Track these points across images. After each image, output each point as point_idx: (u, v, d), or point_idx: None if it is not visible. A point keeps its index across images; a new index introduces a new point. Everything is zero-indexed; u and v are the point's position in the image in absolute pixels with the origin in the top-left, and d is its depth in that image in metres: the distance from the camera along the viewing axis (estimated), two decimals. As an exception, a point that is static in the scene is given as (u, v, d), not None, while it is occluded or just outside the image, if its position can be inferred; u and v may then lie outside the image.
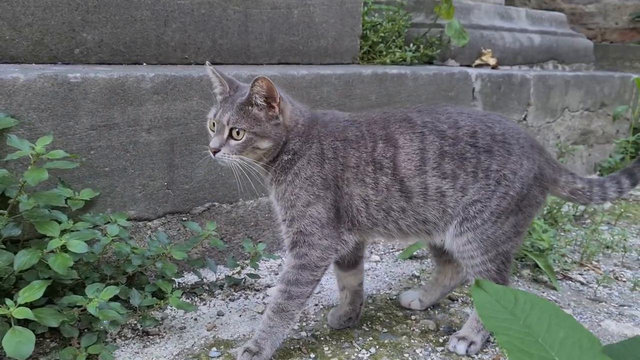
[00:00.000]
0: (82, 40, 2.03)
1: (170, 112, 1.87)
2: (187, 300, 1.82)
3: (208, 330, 1.67)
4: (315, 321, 1.76)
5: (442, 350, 1.61)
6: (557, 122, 3.50)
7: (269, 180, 1.54)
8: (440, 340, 1.66)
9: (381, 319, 1.79)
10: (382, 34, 3.11)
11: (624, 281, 2.17)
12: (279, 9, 2.53)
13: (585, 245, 2.38)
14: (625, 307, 1.94)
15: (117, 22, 2.09)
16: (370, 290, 1.99)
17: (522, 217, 1.57)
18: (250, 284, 1.99)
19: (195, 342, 1.59)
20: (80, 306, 1.42)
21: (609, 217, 2.90)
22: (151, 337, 1.61)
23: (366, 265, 2.19)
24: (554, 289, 2.05)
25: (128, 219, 1.76)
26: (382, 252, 2.38)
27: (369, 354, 1.57)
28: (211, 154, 1.42)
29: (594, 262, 2.34)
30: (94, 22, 2.03)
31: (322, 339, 1.65)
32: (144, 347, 1.55)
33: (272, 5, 2.50)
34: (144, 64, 2.19)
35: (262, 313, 1.77)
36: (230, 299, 1.88)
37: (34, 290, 1.30)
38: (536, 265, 2.18)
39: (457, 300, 1.95)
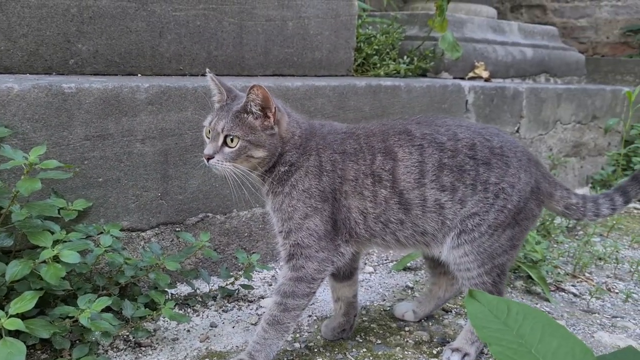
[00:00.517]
0: (77, 51, 2.03)
1: (164, 122, 1.87)
2: (180, 312, 1.81)
3: (201, 341, 1.66)
4: (308, 332, 1.75)
5: (436, 362, 1.61)
6: (550, 134, 3.53)
7: (265, 191, 1.54)
8: (434, 352, 1.66)
9: (375, 330, 1.78)
10: (376, 47, 3.13)
11: (617, 293, 2.18)
12: (273, 21, 2.55)
13: (578, 257, 2.39)
14: (617, 319, 1.95)
15: (112, 33, 2.09)
16: (364, 301, 1.99)
17: (518, 230, 1.58)
18: (244, 295, 1.98)
19: (187, 354, 1.58)
20: (72, 317, 1.41)
21: (601, 229, 2.92)
22: (143, 348, 1.59)
23: (360, 277, 2.19)
24: (547, 300, 2.05)
25: (121, 230, 1.75)
26: (376, 264, 2.38)
27: (362, 366, 1.57)
28: (205, 161, 1.42)
29: (586, 274, 2.34)
30: (89, 33, 2.04)
31: (316, 350, 1.64)
32: (136, 358, 1.54)
33: (266, 17, 2.52)
34: (139, 75, 2.19)
35: (255, 324, 1.77)
36: (223, 310, 1.87)
37: (26, 301, 1.29)
38: (529, 277, 2.18)
39: (451, 311, 1.95)
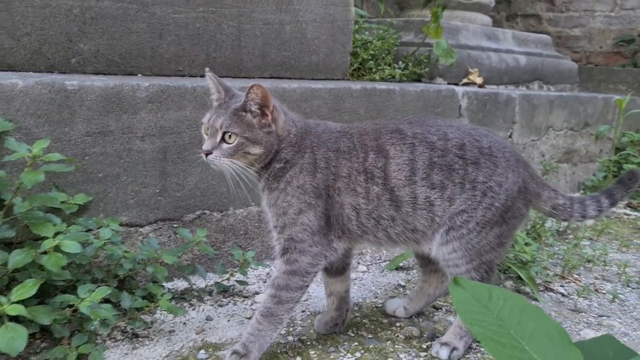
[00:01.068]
0: (79, 51, 2.08)
1: (163, 121, 1.92)
2: (177, 305, 1.85)
3: (197, 333, 1.70)
4: (302, 326, 1.80)
5: (425, 356, 1.65)
6: (542, 140, 3.59)
7: (261, 187, 1.58)
8: (424, 346, 1.70)
9: (366, 325, 1.83)
10: (372, 52, 3.19)
11: (604, 293, 2.23)
12: (271, 24, 2.61)
13: (567, 259, 2.44)
14: (604, 318, 2.00)
15: (113, 33, 2.14)
16: (357, 298, 2.03)
17: (506, 229, 1.63)
18: (239, 291, 2.02)
19: (184, 345, 1.62)
20: (72, 306, 1.45)
21: (591, 233, 2.97)
22: (140, 339, 1.63)
23: (353, 275, 2.24)
24: (536, 299, 2.10)
25: (120, 225, 1.79)
26: (369, 263, 2.43)
27: (354, 358, 1.61)
28: (203, 157, 1.46)
29: (575, 275, 2.39)
30: (91, 33, 2.09)
31: (309, 343, 1.68)
32: (133, 348, 1.58)
33: (265, 21, 2.58)
34: (139, 75, 2.24)
35: (250, 318, 1.81)
36: (219, 305, 1.91)
37: (28, 288, 1.33)
38: (519, 277, 2.23)
39: (441, 308, 1.99)
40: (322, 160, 1.55)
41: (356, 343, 1.70)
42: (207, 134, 1.51)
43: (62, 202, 1.64)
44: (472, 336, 1.64)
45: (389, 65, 3.21)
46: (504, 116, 3.26)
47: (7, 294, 1.34)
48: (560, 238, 2.87)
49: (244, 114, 1.47)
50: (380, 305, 1.98)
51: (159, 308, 1.67)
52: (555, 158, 3.73)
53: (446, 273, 1.67)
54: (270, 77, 2.65)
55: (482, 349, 1.69)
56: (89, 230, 1.70)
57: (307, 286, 1.57)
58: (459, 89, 3.00)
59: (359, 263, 2.40)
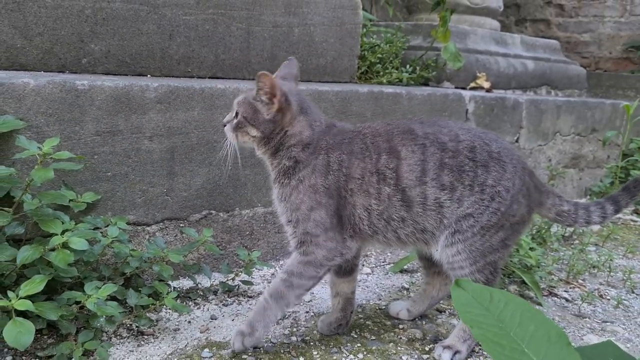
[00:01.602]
0: (90, 51, 2.11)
1: (172, 121, 1.94)
2: (182, 304, 1.86)
3: (201, 332, 1.72)
4: (305, 327, 1.81)
5: (428, 358, 1.66)
6: (549, 145, 3.59)
7: (272, 178, 1.65)
8: (427, 349, 1.71)
9: (370, 327, 1.84)
10: (379, 55, 3.20)
11: (608, 299, 2.22)
12: (280, 27, 2.63)
13: (572, 264, 2.44)
14: (607, 323, 2.00)
15: (124, 34, 2.17)
16: (361, 300, 2.04)
17: (510, 233, 1.64)
18: (244, 291, 2.03)
19: (188, 343, 1.64)
20: (79, 302, 1.48)
21: (596, 239, 2.96)
22: (146, 336, 1.65)
23: (357, 277, 2.24)
24: (540, 304, 2.10)
25: (127, 223, 1.81)
26: (374, 265, 2.44)
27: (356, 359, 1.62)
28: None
29: (579, 281, 2.39)
30: (102, 33, 2.12)
31: (312, 343, 1.70)
32: (138, 345, 1.60)
33: (273, 23, 2.60)
34: (149, 75, 2.27)
35: (254, 318, 1.83)
36: (223, 304, 1.92)
37: (35, 284, 1.35)
38: (523, 282, 2.23)
39: (445, 311, 2.00)
40: (335, 162, 1.58)
41: (359, 344, 1.71)
42: None
43: (70, 200, 1.66)
44: (475, 340, 1.65)
45: (397, 69, 3.22)
46: (511, 121, 3.26)
47: (16, 290, 1.36)
48: (566, 243, 2.87)
49: (253, 100, 1.57)
50: (384, 307, 1.99)
51: (164, 306, 1.69)
52: (562, 163, 3.72)
53: (450, 275, 1.68)
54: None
55: (485, 353, 1.69)
56: (96, 228, 1.73)
57: (320, 278, 1.60)
58: (466, 93, 3.01)
59: (363, 265, 2.41)
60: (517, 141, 3.34)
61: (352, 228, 1.60)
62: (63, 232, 1.48)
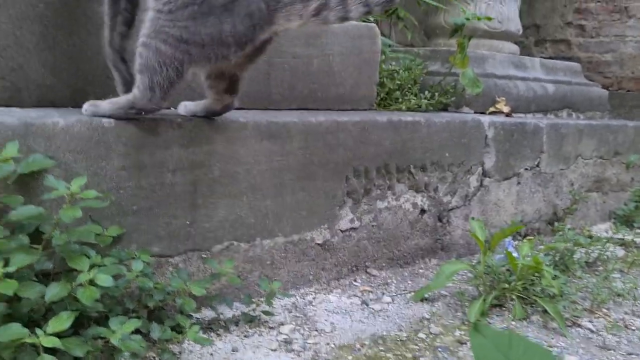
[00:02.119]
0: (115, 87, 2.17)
1: (194, 155, 1.99)
2: (204, 335, 1.89)
3: (223, 365, 1.74)
4: (326, 360, 1.82)
5: (449, 393, 1.65)
6: (571, 169, 3.56)
7: None
8: (448, 383, 1.70)
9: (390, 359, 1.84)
10: (398, 82, 3.23)
11: (633, 330, 2.19)
12: (300, 58, 2.68)
13: (596, 292, 2.41)
14: (633, 356, 1.96)
15: (148, 69, 2.23)
16: (381, 331, 2.05)
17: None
18: (265, 321, 2.05)
19: (210, 377, 1.66)
20: (104, 338, 1.51)
21: (621, 265, 2.92)
22: (169, 370, 1.68)
23: (377, 306, 2.25)
24: (564, 335, 2.08)
25: (151, 255, 1.85)
26: (394, 294, 2.43)
27: (377, 394, 1.62)
28: None
29: (604, 310, 2.36)
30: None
31: (332, 377, 1.70)
32: (161, 379, 1.63)
33: (293, 55, 2.65)
34: (171, 108, 2.32)
35: (275, 350, 1.84)
36: (244, 336, 1.94)
37: (63, 321, 1.39)
38: (546, 311, 2.21)
39: (466, 343, 1.99)
40: None
41: (380, 378, 1.71)
42: None
43: (97, 235, 1.71)
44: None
45: (415, 95, 3.25)
46: (531, 146, 3.25)
47: (44, 325, 1.40)
48: (590, 270, 2.83)
49: None
50: (404, 338, 1.99)
51: (187, 339, 1.72)
52: (585, 187, 3.68)
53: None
54: (298, 109, 2.71)
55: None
56: (122, 261, 1.77)
57: None
58: (485, 119, 3.02)
59: (383, 294, 2.42)
60: (537, 166, 3.32)
61: None
62: (90, 268, 1.53)
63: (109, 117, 1.81)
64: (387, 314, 2.22)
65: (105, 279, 1.47)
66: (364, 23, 2.94)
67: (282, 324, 2.05)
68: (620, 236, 3.32)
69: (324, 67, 2.78)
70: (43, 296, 1.45)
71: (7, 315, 1.44)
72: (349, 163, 2.45)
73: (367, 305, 2.28)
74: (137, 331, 1.64)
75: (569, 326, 2.18)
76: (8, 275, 1.38)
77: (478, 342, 0.94)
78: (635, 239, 3.35)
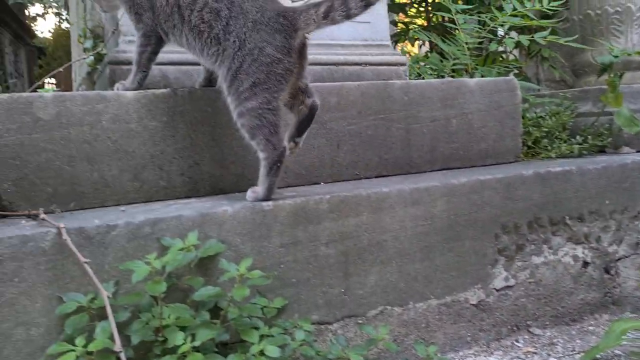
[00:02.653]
0: (272, 169, 2.45)
1: (343, 227, 2.15)
2: (365, 400, 1.98)
3: None
4: None
5: None
6: None
7: None
8: None
9: None
10: (545, 129, 3.14)
11: None
12: (438, 120, 2.76)
13: None
14: None
15: (298, 152, 2.48)
16: (547, 397, 1.96)
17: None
18: (424, 386, 2.08)
19: None
20: (275, 403, 1.68)
21: None
22: None
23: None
24: None
25: (312, 323, 2.02)
26: (561, 355, 2.31)
27: None
28: None
29: None
30: (281, 153, 2.45)
31: None
32: None
33: (431, 118, 2.74)
34: (321, 183, 2.54)
35: (434, 416, 1.86)
36: (404, 401, 1.99)
37: (240, 389, 1.58)
38: None
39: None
40: None
41: None
42: None
43: (263, 307, 1.92)
44: None
45: (565, 141, 3.12)
46: None
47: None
48: None
49: None
50: (573, 405, 1.88)
51: (349, 404, 1.82)
52: None
53: None
54: (440, 170, 2.78)
55: None
56: (286, 330, 1.95)
57: (150, 44, 2.25)
58: (649, 159, 2.79)
59: (549, 355, 2.30)
60: None
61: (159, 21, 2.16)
62: (260, 339, 1.73)
63: (266, 200, 2.06)
64: (554, 377, 2.12)
65: (273, 350, 1.65)
66: (501, 77, 2.96)
67: (440, 388, 2.06)
68: None
69: (463, 125, 2.83)
70: (222, 366, 1.67)
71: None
72: (497, 220, 2.43)
73: (531, 368, 2.20)
74: (303, 397, 1.79)
75: None
76: (195, 349, 1.61)
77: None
78: None
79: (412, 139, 2.71)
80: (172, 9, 2.09)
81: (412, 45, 5.84)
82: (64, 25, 15.99)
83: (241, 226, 1.99)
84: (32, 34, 13.07)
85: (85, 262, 1.64)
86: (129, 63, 2.36)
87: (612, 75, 3.01)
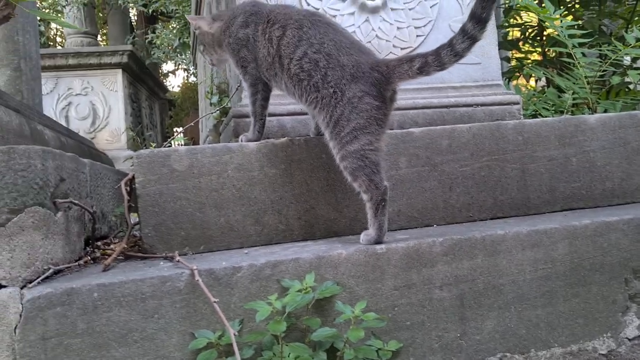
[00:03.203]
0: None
1: (458, 270, 2.13)
2: None
3: None
4: None
5: None
6: None
7: None
8: None
9: None
10: (680, 164, 2.90)
11: None
12: (555, 160, 2.67)
13: None
14: None
15: (411, 194, 2.53)
16: None
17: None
18: None
19: None
20: None
21: None
22: None
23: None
24: None
25: (427, 368, 2.01)
26: None
27: None
28: None
29: None
30: (394, 197, 2.50)
31: None
32: None
33: (548, 157, 2.66)
34: (434, 225, 2.54)
35: None
36: None
37: None
38: None
39: None
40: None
41: None
42: None
43: (378, 349, 1.95)
44: None
45: None
46: None
47: None
48: None
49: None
50: None
51: None
52: None
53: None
54: (561, 211, 2.66)
55: None
56: (401, 374, 1.96)
57: (258, 92, 2.47)
58: None
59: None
60: None
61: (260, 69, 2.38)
62: (375, 381, 1.75)
63: (379, 240, 2.12)
64: None
65: (388, 393, 1.66)
66: (625, 112, 2.80)
67: None
68: None
69: (584, 164, 2.70)
70: (340, 406, 1.71)
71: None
72: (626, 264, 2.27)
73: None
74: None
75: None
76: (313, 388, 1.68)
77: None
78: None
79: (529, 180, 2.64)
80: (274, 59, 2.30)
81: (527, 81, 5.68)
82: (191, 79, 17.51)
83: (355, 269, 2.05)
84: (165, 89, 14.44)
85: (215, 302, 1.78)
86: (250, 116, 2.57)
87: None
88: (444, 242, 2.14)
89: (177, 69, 17.99)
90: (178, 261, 2.00)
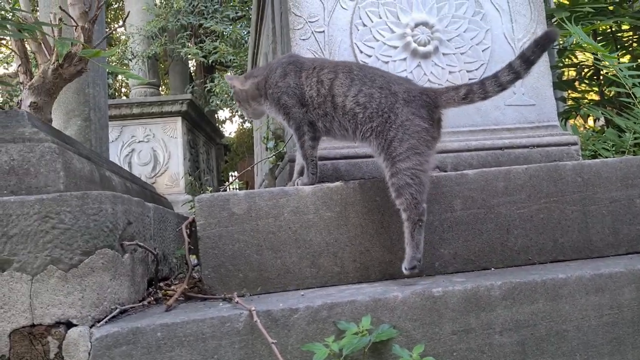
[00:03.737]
0: (441, 255, 2.49)
1: (518, 314, 2.08)
2: None
3: None
4: None
5: None
6: None
7: None
8: None
9: None
10: None
11: None
12: (618, 201, 2.59)
13: None
14: None
15: (467, 236, 2.50)
16: None
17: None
18: None
19: None
20: None
21: None
22: None
23: None
24: None
25: (488, 417, 1.94)
26: None
27: None
28: None
29: None
30: (449, 239, 2.49)
31: None
32: None
33: (610, 199, 2.59)
34: (492, 268, 2.50)
35: None
36: None
37: None
38: None
39: None
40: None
41: None
42: None
43: (436, 396, 1.91)
44: None
45: None
46: None
47: None
48: None
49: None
50: None
51: None
52: None
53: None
54: (626, 254, 2.57)
55: None
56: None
57: (304, 134, 2.52)
58: None
59: None
60: None
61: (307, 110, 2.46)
62: None
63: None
64: None
65: None
66: (690, 151, 2.70)
67: None
68: None
69: (649, 205, 2.61)
70: None
71: None
72: (702, 311, 2.15)
73: None
74: None
75: None
76: None
77: None
78: None
79: (590, 222, 2.57)
80: (325, 98, 2.41)
81: (585, 121, 5.56)
82: (246, 125, 18.04)
83: (412, 312, 2.04)
84: (221, 135, 14.94)
85: (273, 343, 1.81)
86: (307, 160, 2.64)
87: None
88: (503, 285, 2.10)
89: (233, 115, 18.62)
90: (237, 302, 2.05)
